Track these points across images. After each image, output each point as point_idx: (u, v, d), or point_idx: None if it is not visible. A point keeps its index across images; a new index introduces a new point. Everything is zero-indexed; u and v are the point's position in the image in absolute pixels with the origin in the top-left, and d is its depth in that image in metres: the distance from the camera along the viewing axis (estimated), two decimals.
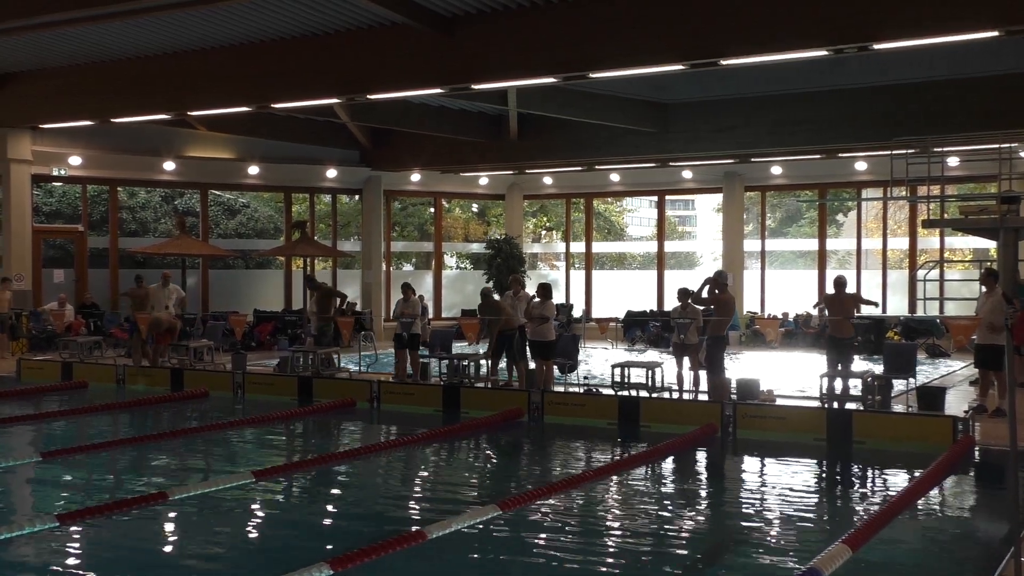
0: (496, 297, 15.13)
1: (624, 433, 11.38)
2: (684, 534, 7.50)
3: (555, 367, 13.82)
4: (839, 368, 12.32)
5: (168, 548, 7.02)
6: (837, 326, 12.57)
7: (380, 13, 12.97)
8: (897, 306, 22.19)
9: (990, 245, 18.20)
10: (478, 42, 13.12)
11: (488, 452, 11.08)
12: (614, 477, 9.10)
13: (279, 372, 15.63)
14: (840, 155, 20.84)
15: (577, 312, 24.37)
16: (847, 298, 12.82)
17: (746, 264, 24.11)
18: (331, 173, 23.37)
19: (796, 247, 34.37)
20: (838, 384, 12.20)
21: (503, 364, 14.50)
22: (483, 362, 14.43)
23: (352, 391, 13.42)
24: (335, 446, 11.38)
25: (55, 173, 21.01)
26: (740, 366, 16.73)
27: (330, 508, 8.41)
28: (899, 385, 12.75)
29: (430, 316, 22.83)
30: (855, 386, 12.33)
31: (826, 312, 12.96)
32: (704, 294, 13.05)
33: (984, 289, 12.67)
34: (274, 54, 14.60)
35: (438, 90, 14.57)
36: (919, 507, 7.90)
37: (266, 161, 22.70)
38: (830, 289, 13.24)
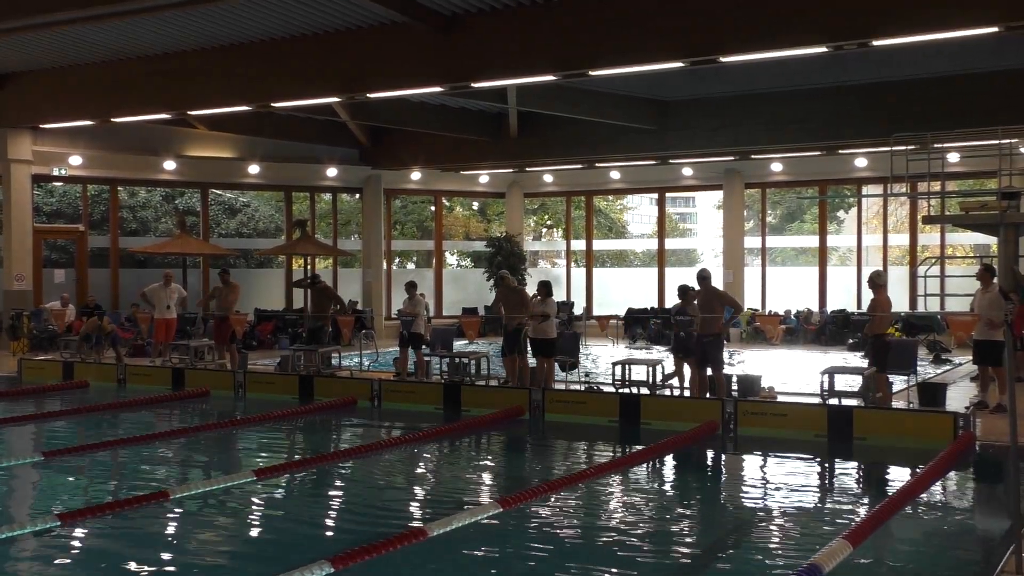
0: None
1: (625, 431, 11.39)
2: (685, 531, 7.51)
3: (556, 365, 13.82)
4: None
5: (169, 547, 7.02)
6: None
7: (380, 12, 12.98)
8: (898, 302, 22.15)
9: (990, 241, 18.19)
10: (478, 40, 13.13)
11: (489, 450, 11.09)
12: (615, 475, 9.10)
13: (280, 371, 15.63)
14: (840, 152, 20.82)
15: (578, 310, 24.38)
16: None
17: (747, 261, 24.12)
18: (331, 172, 23.37)
19: (797, 244, 34.43)
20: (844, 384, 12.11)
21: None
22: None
23: (353, 390, 13.42)
24: (336, 444, 11.39)
25: (55, 173, 21.00)
26: (741, 364, 16.71)
27: (331, 506, 8.42)
28: (899, 382, 12.74)
29: (431, 314, 22.81)
30: (855, 384, 12.31)
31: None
32: (689, 308, 13.00)
33: (980, 285, 12.61)
34: (274, 53, 14.62)
35: (438, 88, 14.58)
36: (920, 503, 7.88)
37: (266, 160, 22.69)
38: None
